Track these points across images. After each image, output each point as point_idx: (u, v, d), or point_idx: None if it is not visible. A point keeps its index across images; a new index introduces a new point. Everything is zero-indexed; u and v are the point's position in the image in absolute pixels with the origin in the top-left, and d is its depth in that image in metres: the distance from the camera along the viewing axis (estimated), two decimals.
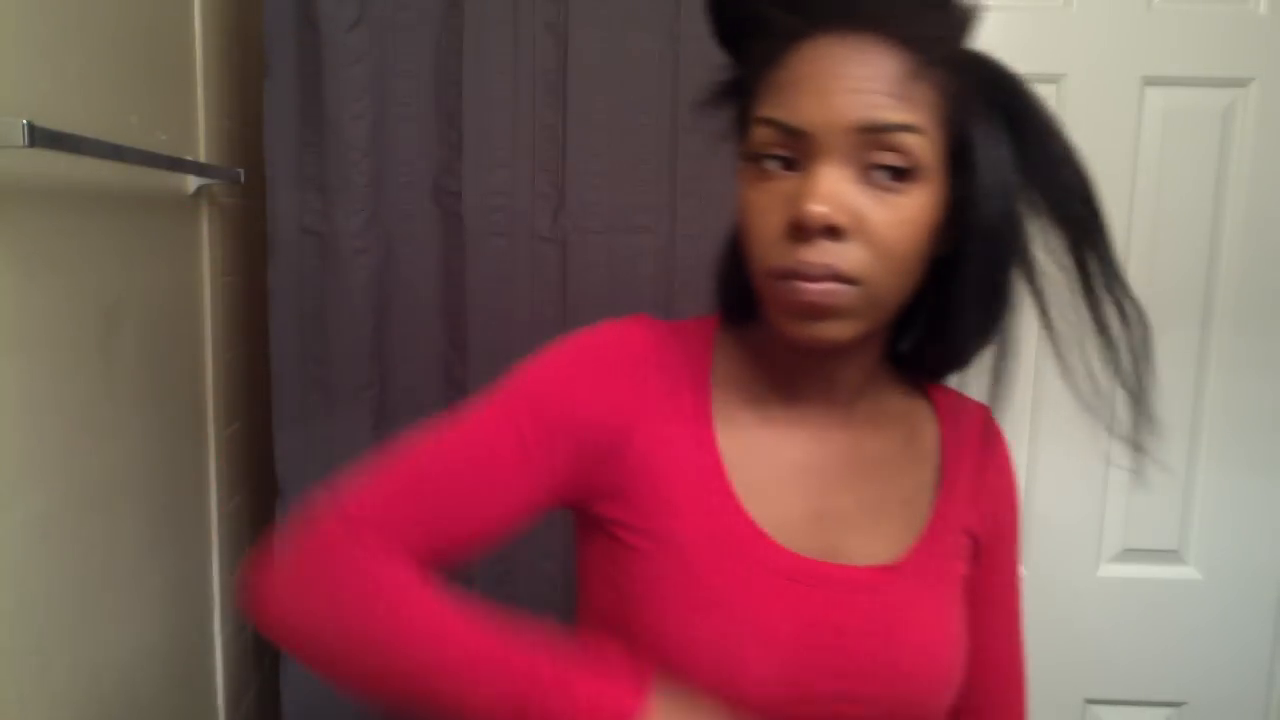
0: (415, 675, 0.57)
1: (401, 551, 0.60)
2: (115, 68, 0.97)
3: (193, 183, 1.17)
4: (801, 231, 0.55)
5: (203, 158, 1.21)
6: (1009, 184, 0.59)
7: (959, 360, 0.68)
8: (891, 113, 0.55)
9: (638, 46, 1.19)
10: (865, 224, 0.56)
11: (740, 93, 0.63)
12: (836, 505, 0.66)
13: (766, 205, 0.58)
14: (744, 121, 0.62)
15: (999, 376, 0.62)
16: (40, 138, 0.71)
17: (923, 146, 0.56)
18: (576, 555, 0.71)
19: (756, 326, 0.67)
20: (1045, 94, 1.31)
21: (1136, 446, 0.62)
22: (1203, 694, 1.43)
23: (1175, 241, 1.35)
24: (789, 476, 0.66)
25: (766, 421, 0.66)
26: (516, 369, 0.67)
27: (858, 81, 0.55)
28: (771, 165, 0.58)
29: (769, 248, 0.58)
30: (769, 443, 0.66)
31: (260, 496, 1.43)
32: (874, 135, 0.55)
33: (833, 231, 0.55)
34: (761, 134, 0.58)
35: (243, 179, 1.25)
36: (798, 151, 0.57)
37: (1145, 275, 1.34)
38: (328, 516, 0.61)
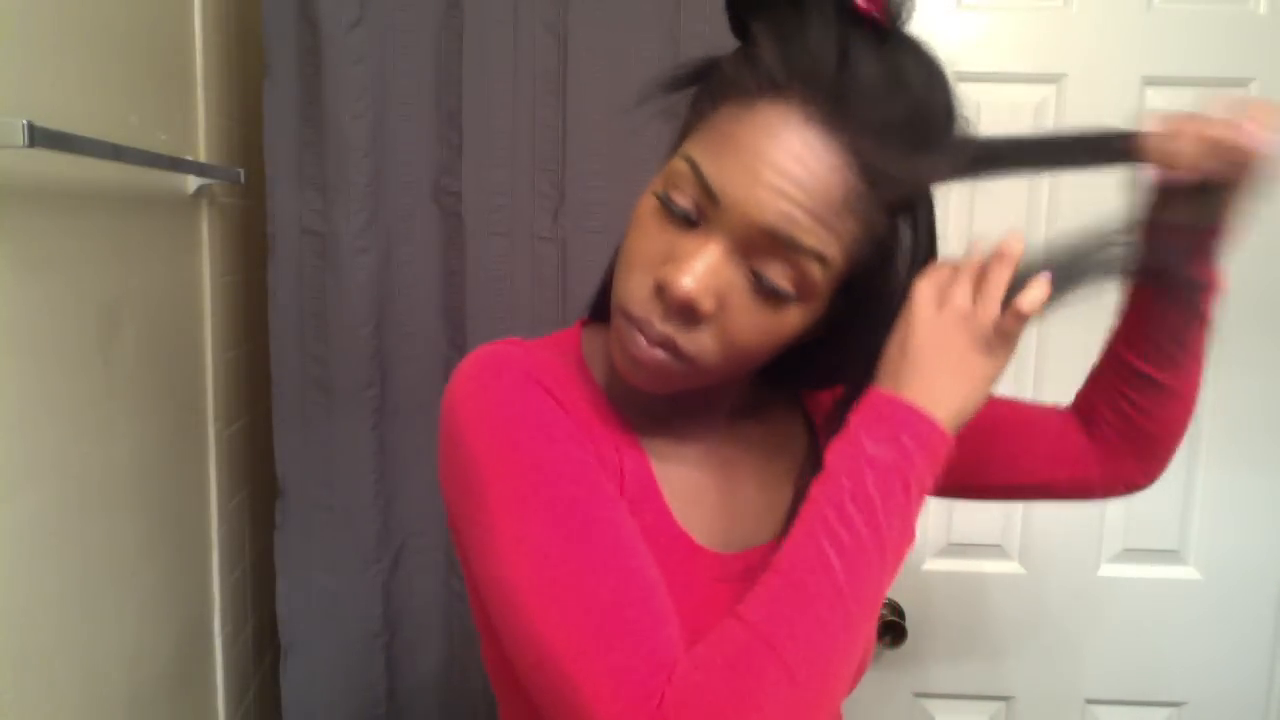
0: (869, 599, 0.52)
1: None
2: (115, 68, 0.97)
3: (193, 183, 1.17)
4: (662, 297, 0.54)
5: (203, 158, 1.21)
6: (899, 295, 0.58)
7: (832, 385, 0.69)
8: (807, 236, 0.52)
9: (638, 46, 1.19)
10: (726, 317, 0.54)
11: (702, 93, 0.59)
12: (741, 494, 0.67)
13: (651, 245, 0.56)
14: (688, 125, 0.59)
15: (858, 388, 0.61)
16: (40, 138, 0.71)
17: (821, 276, 0.54)
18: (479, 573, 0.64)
19: None
20: (1045, 94, 1.32)
21: None
22: (1203, 694, 1.43)
23: None
24: (700, 474, 0.66)
25: (663, 421, 0.65)
26: (472, 460, 0.56)
27: (792, 186, 0.51)
28: (675, 211, 0.55)
29: (631, 288, 0.56)
30: (675, 441, 0.65)
31: (260, 496, 1.43)
32: (778, 244, 0.52)
33: (690, 313, 0.54)
34: (680, 170, 0.55)
35: (243, 179, 1.25)
36: (703, 209, 0.54)
37: None
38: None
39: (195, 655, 1.22)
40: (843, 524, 0.51)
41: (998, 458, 0.76)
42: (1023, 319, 0.55)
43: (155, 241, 1.09)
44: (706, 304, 0.53)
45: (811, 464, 0.70)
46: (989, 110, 1.27)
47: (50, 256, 0.85)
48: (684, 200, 0.54)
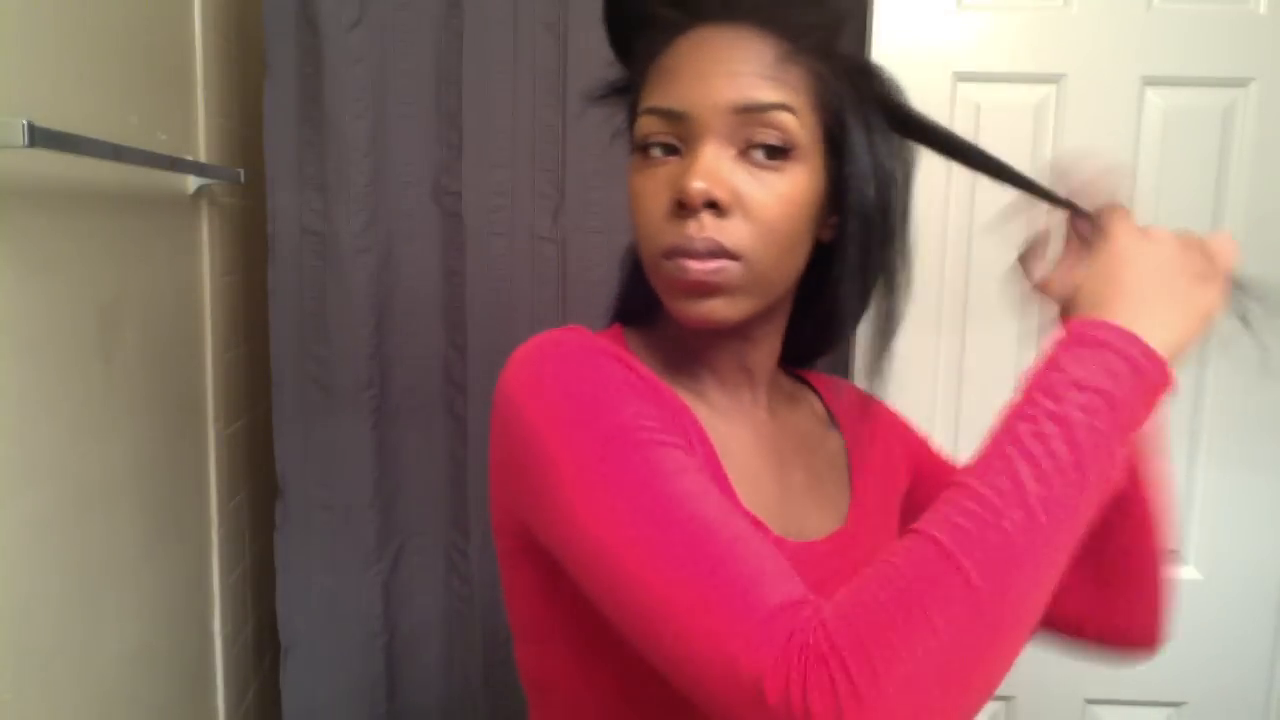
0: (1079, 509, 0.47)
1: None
2: (115, 68, 0.97)
3: (193, 183, 1.17)
4: (684, 209, 0.57)
5: (203, 158, 1.21)
6: (881, 168, 0.61)
7: (830, 342, 0.72)
8: (765, 93, 0.57)
9: None
10: (745, 200, 0.57)
11: (629, 89, 0.66)
12: (792, 483, 0.68)
13: (652, 190, 0.59)
14: (633, 116, 0.64)
15: (879, 353, 0.65)
16: (40, 138, 0.71)
17: (796, 126, 0.58)
18: (524, 577, 0.63)
19: (659, 328, 0.68)
20: (1045, 94, 1.32)
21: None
22: (1203, 694, 1.43)
23: None
24: (756, 460, 0.67)
25: (715, 408, 0.67)
26: (558, 427, 0.54)
27: (733, 65, 0.58)
28: (656, 152, 0.60)
29: (656, 229, 0.59)
30: (731, 431, 0.66)
31: (260, 496, 1.43)
32: (750, 114, 0.57)
33: (714, 207, 0.57)
34: (646, 123, 0.60)
35: (243, 179, 1.25)
36: (680, 136, 0.59)
37: None
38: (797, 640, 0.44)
39: (195, 655, 1.22)
40: (1038, 441, 0.47)
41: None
42: (1231, 250, 0.57)
43: (155, 241, 1.09)
44: (721, 192, 0.56)
45: (849, 462, 0.73)
46: (989, 110, 1.27)
47: (50, 256, 0.85)
48: (658, 137, 0.60)
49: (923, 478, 0.77)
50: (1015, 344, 1.37)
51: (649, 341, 0.68)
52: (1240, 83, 1.33)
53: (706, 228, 0.57)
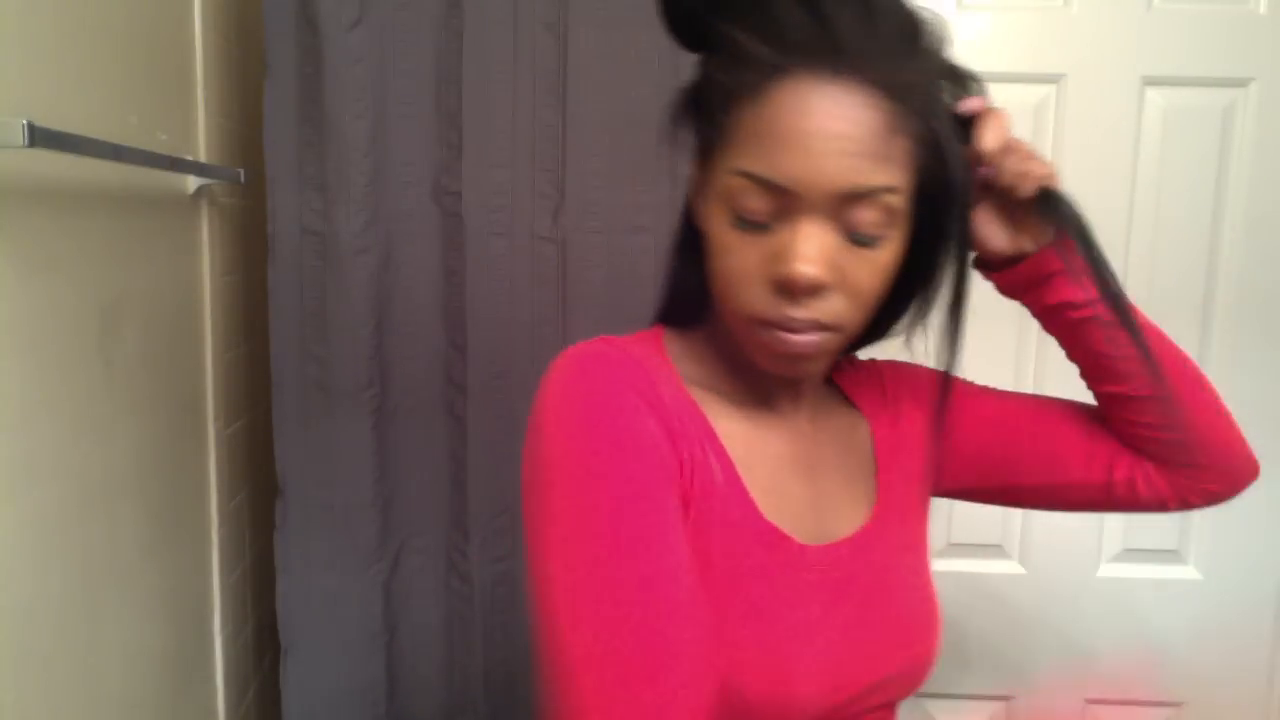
0: None
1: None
2: (115, 68, 0.97)
3: (193, 183, 1.17)
4: (789, 291, 0.57)
5: (203, 158, 1.21)
6: (966, 203, 0.62)
7: (870, 343, 0.72)
8: (875, 176, 0.55)
9: (638, 46, 1.19)
10: (845, 278, 0.57)
11: (705, 108, 0.61)
12: (824, 487, 0.69)
13: (746, 256, 0.58)
14: (702, 137, 0.62)
15: (952, 342, 0.65)
16: (40, 138, 0.71)
17: (900, 204, 0.57)
18: None
19: (704, 331, 0.69)
20: (1045, 94, 1.32)
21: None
22: (1203, 694, 1.43)
23: (1175, 241, 1.35)
24: (785, 469, 0.67)
25: (750, 419, 0.67)
26: (554, 472, 0.57)
27: (844, 143, 0.54)
28: (750, 219, 0.57)
29: (752, 298, 0.58)
30: (760, 440, 0.67)
31: (260, 496, 1.43)
32: (858, 198, 0.55)
33: (817, 290, 0.57)
34: (739, 187, 0.57)
35: (243, 179, 1.25)
36: (777, 204, 0.56)
37: (1145, 275, 1.34)
38: None
39: (195, 655, 1.22)
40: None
41: (1030, 454, 0.77)
42: None
43: (155, 241, 1.09)
44: (828, 277, 0.56)
45: (874, 450, 0.73)
46: None
47: (50, 256, 0.85)
48: (756, 207, 0.57)
49: (982, 423, 0.76)
50: (1015, 344, 1.36)
51: (690, 346, 0.69)
52: (1240, 83, 1.33)
53: (808, 309, 0.57)
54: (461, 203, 1.22)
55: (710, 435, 0.63)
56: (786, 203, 0.56)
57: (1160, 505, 0.77)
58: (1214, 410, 0.75)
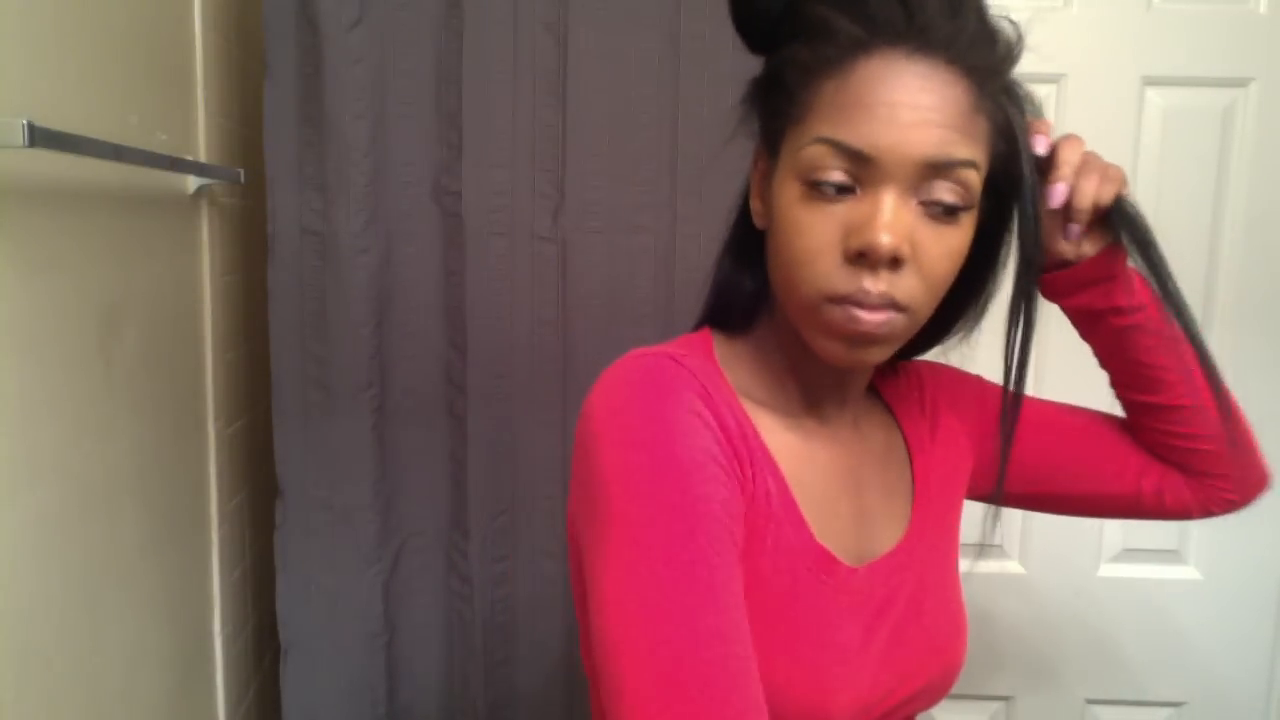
0: None
1: None
2: (115, 68, 0.97)
3: (193, 183, 1.17)
4: (867, 260, 0.55)
5: (203, 158, 1.21)
6: (1035, 198, 0.61)
7: (928, 345, 0.72)
8: (959, 149, 0.55)
9: (638, 46, 1.19)
10: (921, 255, 0.57)
11: (776, 93, 0.61)
12: (868, 503, 0.68)
13: (822, 229, 0.57)
14: (774, 123, 0.61)
15: (1022, 353, 0.64)
16: (40, 138, 0.71)
17: (977, 182, 0.57)
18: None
19: (754, 337, 0.68)
20: (1045, 94, 1.31)
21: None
22: (1203, 694, 1.43)
23: (1175, 241, 1.34)
24: (833, 483, 0.67)
25: (798, 430, 0.66)
26: (616, 482, 0.56)
27: (929, 113, 0.54)
28: (829, 189, 0.56)
29: (825, 272, 0.57)
30: (809, 452, 0.66)
31: (260, 496, 1.43)
32: (939, 169, 0.55)
33: (894, 261, 0.56)
34: (819, 154, 0.56)
35: (243, 179, 1.25)
36: (858, 176, 0.56)
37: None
38: None
39: (195, 655, 1.22)
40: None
41: (1065, 464, 0.77)
42: None
43: (155, 241, 1.09)
44: (906, 249, 0.55)
45: (910, 459, 0.73)
46: None
47: (50, 256, 0.85)
48: (836, 175, 0.56)
49: (1032, 430, 0.76)
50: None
51: (740, 353, 0.67)
52: (1240, 83, 1.33)
53: (884, 282, 0.56)
54: (461, 203, 1.22)
55: (764, 452, 0.62)
56: (867, 173, 0.55)
57: (1185, 514, 0.77)
58: (1240, 420, 0.75)
